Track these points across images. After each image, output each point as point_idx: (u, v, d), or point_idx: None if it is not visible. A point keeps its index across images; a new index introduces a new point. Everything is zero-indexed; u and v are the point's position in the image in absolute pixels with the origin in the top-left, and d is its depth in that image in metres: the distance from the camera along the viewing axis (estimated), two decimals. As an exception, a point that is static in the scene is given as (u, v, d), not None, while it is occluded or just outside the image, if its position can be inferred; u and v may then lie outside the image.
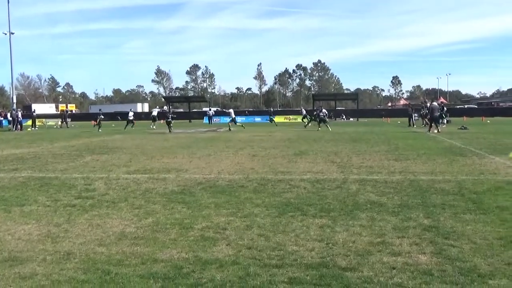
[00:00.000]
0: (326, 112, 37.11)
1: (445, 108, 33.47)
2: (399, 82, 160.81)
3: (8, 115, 36.19)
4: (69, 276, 4.94)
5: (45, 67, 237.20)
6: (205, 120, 56.82)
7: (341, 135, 27.54)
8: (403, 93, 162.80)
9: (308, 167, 13.14)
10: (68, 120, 52.65)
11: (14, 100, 61.96)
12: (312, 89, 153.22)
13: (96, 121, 38.86)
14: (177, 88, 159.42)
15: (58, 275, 4.97)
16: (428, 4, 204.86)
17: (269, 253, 5.62)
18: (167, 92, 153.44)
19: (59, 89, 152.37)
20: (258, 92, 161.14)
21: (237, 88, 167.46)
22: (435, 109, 30.16)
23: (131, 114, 42.16)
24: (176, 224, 7.04)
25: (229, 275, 4.91)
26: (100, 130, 36.36)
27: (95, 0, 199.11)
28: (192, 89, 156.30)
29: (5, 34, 62.93)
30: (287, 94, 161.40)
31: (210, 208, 8.06)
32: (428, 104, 35.19)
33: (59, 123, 49.63)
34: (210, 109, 60.07)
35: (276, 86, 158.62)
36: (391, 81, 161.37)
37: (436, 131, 28.56)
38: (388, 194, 9.05)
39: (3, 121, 43.41)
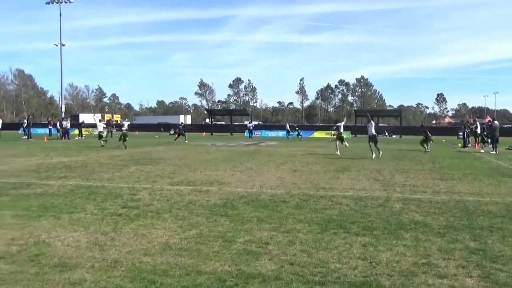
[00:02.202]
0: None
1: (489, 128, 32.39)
2: (444, 100, 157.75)
3: (58, 124, 37.27)
4: (116, 284, 5.08)
5: (93, 78, 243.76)
6: (246, 133, 57.10)
7: (384, 152, 27.16)
8: (448, 111, 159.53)
9: (350, 184, 13.05)
10: (114, 130, 53.94)
11: (63, 110, 64.07)
12: (355, 104, 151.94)
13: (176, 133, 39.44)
14: (219, 101, 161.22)
15: (106, 282, 5.11)
16: (475, 21, 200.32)
17: (311, 269, 5.62)
18: (210, 104, 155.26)
19: (105, 99, 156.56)
20: (299, 107, 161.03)
21: (279, 102, 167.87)
22: (497, 128, 29.22)
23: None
24: (219, 237, 7.12)
25: (272, 290, 4.93)
26: (186, 141, 36.89)
27: (141, 14, 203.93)
28: (234, 102, 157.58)
29: (56, 45, 65.38)
30: (329, 109, 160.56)
31: (252, 222, 8.11)
32: (478, 123, 34.35)
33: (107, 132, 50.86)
34: (250, 122, 60.23)
35: (318, 101, 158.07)
36: (436, 98, 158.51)
37: (494, 151, 27.51)
38: (433, 214, 8.89)
39: (53, 130, 44.78)
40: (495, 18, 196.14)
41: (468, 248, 6.59)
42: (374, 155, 21.81)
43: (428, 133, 30.47)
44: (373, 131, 22.80)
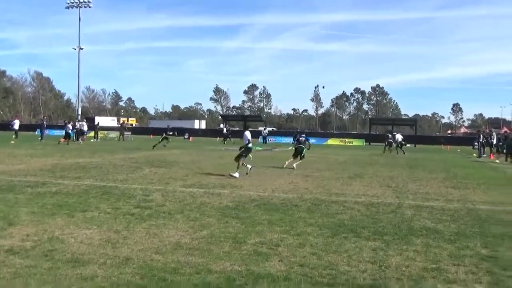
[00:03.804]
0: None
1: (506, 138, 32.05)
2: (460, 110, 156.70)
3: (70, 126, 37.52)
4: (127, 280, 5.16)
5: (110, 81, 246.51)
6: (260, 139, 57.16)
7: (397, 160, 27.06)
8: (463, 121, 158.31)
9: (362, 190, 13.04)
10: (128, 133, 54.42)
11: (79, 112, 64.78)
12: (370, 113, 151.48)
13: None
14: (234, 106, 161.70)
15: (117, 278, 5.20)
16: (493, 32, 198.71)
17: (321, 271, 5.65)
18: (224, 110, 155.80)
19: (121, 103, 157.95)
20: (314, 114, 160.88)
21: (293, 109, 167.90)
22: None
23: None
24: (230, 238, 7.18)
25: (281, 290, 4.98)
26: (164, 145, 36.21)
27: (159, 20, 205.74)
28: (249, 108, 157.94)
29: (75, 49, 66.22)
30: (344, 117, 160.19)
31: (263, 225, 8.16)
32: (494, 134, 34.09)
33: (119, 135, 51.26)
34: (265, 129, 60.34)
35: (333, 109, 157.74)
36: (452, 108, 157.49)
37: (509, 162, 27.28)
38: (444, 222, 8.87)
39: (71, 133, 45.26)
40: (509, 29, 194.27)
41: (478, 255, 6.57)
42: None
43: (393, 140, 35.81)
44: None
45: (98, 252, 6.24)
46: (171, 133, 37.45)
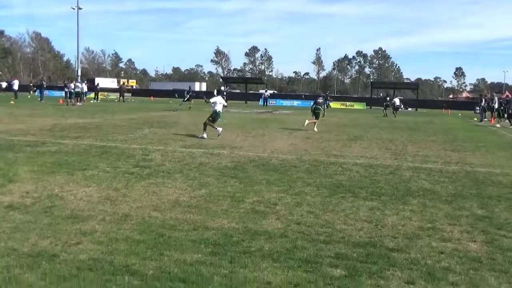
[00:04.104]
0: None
1: (507, 103, 31.89)
2: (463, 74, 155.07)
3: (72, 85, 37.15)
4: (126, 236, 5.23)
5: (109, 43, 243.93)
6: (261, 102, 56.87)
7: (398, 124, 27.03)
8: (466, 86, 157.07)
9: (361, 152, 13.06)
10: (128, 95, 54.16)
11: (79, 73, 64.30)
12: (371, 76, 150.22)
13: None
14: (235, 69, 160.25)
15: (116, 234, 5.26)
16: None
17: (317, 229, 5.72)
18: (225, 72, 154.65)
19: (121, 64, 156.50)
20: (315, 77, 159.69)
21: (295, 72, 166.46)
22: None
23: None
24: (228, 196, 7.23)
25: (277, 246, 5.04)
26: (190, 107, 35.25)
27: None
28: (250, 71, 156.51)
29: (73, 9, 65.11)
30: (345, 81, 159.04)
31: (261, 184, 8.21)
32: (496, 98, 33.95)
33: (119, 97, 51.04)
34: (266, 91, 59.94)
35: (335, 72, 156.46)
36: (454, 73, 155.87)
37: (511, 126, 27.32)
38: (442, 183, 8.91)
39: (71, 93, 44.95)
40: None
41: (474, 215, 6.62)
42: None
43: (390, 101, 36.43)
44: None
45: (97, 209, 6.30)
46: (192, 94, 37.28)
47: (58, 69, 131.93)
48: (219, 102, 16.24)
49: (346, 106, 62.35)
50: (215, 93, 18.83)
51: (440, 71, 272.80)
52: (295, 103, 62.84)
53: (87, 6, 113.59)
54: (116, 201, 6.74)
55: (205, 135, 15.26)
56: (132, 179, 8.26)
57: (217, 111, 16.02)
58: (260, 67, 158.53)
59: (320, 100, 22.40)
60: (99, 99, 47.44)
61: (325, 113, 23.57)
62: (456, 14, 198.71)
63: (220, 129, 15.47)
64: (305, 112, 40.22)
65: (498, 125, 28.80)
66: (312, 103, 22.16)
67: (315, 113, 21.21)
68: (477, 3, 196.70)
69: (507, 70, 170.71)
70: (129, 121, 21.47)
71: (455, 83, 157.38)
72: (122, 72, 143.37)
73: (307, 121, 20.52)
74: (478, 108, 36.39)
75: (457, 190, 8.35)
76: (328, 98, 33.22)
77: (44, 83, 47.76)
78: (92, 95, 48.00)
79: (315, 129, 20.05)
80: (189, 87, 42.91)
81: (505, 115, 30.70)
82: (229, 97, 61.99)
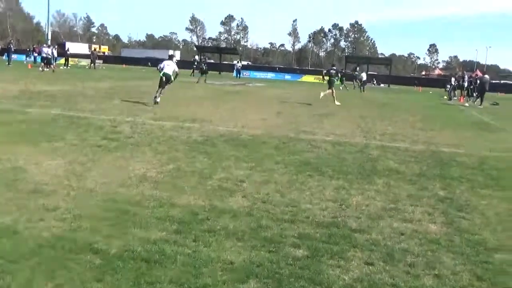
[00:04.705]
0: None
1: (477, 81, 32.47)
2: (436, 51, 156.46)
3: (45, 50, 36.13)
4: (90, 212, 5.19)
5: (81, 6, 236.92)
6: (234, 73, 56.51)
7: (369, 100, 27.28)
8: (439, 63, 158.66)
9: (331, 129, 13.17)
10: (100, 61, 53.19)
11: (49, 37, 62.61)
12: (346, 50, 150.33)
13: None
14: (210, 38, 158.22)
15: (80, 210, 5.22)
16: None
17: (282, 208, 5.78)
18: (200, 41, 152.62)
19: (93, 29, 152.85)
20: (291, 49, 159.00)
21: (270, 43, 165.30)
22: (486, 82, 29.25)
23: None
24: (196, 172, 7.24)
25: (242, 225, 5.10)
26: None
27: None
28: (225, 40, 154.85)
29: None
30: (320, 54, 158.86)
31: (230, 160, 8.23)
32: (466, 76, 34.50)
33: (90, 63, 50.00)
34: (238, 62, 59.28)
35: (310, 45, 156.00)
36: (428, 49, 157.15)
37: (482, 106, 27.81)
38: (407, 163, 9.08)
39: (37, 58, 43.81)
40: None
41: (436, 196, 6.79)
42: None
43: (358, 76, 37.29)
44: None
45: (62, 183, 6.22)
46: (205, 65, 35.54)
47: (27, 32, 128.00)
48: (166, 65, 16.90)
49: (320, 80, 62.41)
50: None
51: (414, 47, 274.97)
52: (269, 75, 62.87)
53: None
54: (81, 175, 6.67)
55: (158, 99, 16.27)
56: (99, 152, 8.17)
57: (165, 73, 16.66)
58: (235, 37, 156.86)
59: (333, 71, 23.44)
60: (69, 65, 46.36)
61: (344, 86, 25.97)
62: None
63: (158, 99, 16.26)
64: (279, 84, 40.35)
65: (466, 104, 29.36)
66: (324, 72, 23.38)
67: (329, 83, 22.40)
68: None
69: (479, 48, 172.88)
70: (99, 90, 21.11)
71: (428, 60, 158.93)
72: (94, 37, 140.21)
73: (322, 93, 21.76)
74: (448, 86, 36.83)
75: (421, 170, 8.52)
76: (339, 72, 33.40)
77: (12, 46, 46.45)
78: (62, 61, 46.87)
79: (336, 102, 21.29)
80: (203, 55, 41.27)
81: (474, 94, 31.28)
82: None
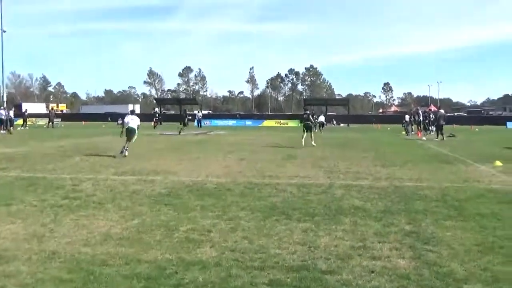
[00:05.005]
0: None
1: (432, 116, 33.63)
2: (390, 89, 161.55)
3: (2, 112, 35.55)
4: (53, 275, 5.01)
5: (37, 66, 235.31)
6: (195, 123, 56.75)
7: (330, 140, 27.72)
8: (394, 100, 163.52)
9: (295, 172, 13.25)
10: (58, 120, 52.52)
11: (5, 99, 61.66)
12: (304, 94, 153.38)
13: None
14: (169, 90, 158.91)
15: (43, 274, 5.04)
16: (421, 12, 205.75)
17: (251, 255, 5.72)
18: (159, 94, 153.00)
19: (50, 88, 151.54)
20: (250, 96, 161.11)
21: (229, 91, 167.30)
22: (442, 116, 30.12)
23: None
24: (162, 226, 7.12)
25: (211, 276, 5.00)
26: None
27: (90, 0, 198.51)
28: (184, 91, 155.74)
29: (-3, 32, 62.56)
30: (279, 99, 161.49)
31: (196, 211, 8.14)
32: (420, 112, 35.65)
33: (48, 122, 49.28)
34: (198, 112, 59.83)
35: (268, 90, 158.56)
36: (383, 88, 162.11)
37: (439, 139, 28.43)
38: (372, 200, 9.19)
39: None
40: (439, 9, 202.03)
41: (402, 231, 6.87)
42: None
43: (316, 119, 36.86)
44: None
45: (23, 247, 6.01)
46: (190, 117, 37.14)
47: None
48: (131, 119, 17.87)
49: (280, 124, 63.31)
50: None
51: (369, 86, 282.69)
52: (230, 122, 63.47)
53: (12, 28, 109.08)
54: (43, 237, 6.46)
55: (126, 153, 16.97)
56: (60, 213, 7.96)
57: (129, 128, 17.57)
58: (194, 87, 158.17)
59: (305, 115, 24.09)
60: (27, 125, 45.59)
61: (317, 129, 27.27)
62: (383, 31, 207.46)
63: (126, 152, 16.91)
64: (240, 131, 40.63)
65: (424, 138, 30.18)
66: (299, 121, 24.49)
67: (306, 128, 23.01)
68: (403, 21, 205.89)
69: (431, 84, 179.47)
70: (58, 148, 20.75)
71: (383, 97, 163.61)
72: (52, 96, 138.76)
73: (303, 141, 22.27)
74: (404, 122, 37.99)
75: (386, 206, 8.63)
76: (314, 115, 34.47)
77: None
78: (20, 121, 46.09)
79: (313, 143, 21.93)
80: (185, 110, 41.97)
81: (431, 128, 32.26)
82: (164, 118, 61.57)
